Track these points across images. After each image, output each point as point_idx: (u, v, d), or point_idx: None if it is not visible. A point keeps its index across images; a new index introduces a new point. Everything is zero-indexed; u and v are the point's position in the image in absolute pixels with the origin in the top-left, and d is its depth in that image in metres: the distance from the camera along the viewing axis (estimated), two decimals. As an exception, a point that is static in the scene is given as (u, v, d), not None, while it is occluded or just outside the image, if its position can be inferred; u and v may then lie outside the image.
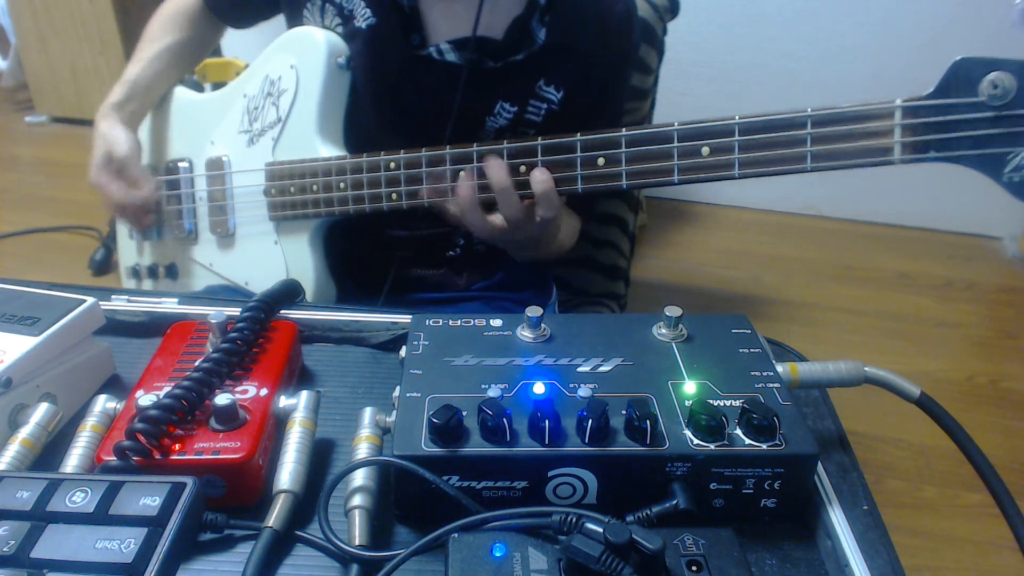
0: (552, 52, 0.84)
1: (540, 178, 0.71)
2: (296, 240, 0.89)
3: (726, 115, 0.65)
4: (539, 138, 0.72)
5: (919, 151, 0.58)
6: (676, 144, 0.66)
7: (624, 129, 0.68)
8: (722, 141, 0.65)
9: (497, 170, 0.73)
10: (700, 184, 0.68)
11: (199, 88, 2.00)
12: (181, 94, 1.03)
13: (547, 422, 0.43)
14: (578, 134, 0.70)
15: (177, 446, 0.45)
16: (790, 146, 0.62)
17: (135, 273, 1.09)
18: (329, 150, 0.85)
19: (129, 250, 1.10)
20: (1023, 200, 0.56)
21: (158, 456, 0.44)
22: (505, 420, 0.43)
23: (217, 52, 2.08)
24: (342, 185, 0.82)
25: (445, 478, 0.43)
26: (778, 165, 0.63)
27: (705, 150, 0.65)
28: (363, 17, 0.85)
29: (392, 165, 0.79)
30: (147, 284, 1.08)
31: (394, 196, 0.80)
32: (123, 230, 1.10)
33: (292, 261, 0.89)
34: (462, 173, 0.75)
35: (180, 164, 0.99)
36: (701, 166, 0.66)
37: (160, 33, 1.01)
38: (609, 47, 0.87)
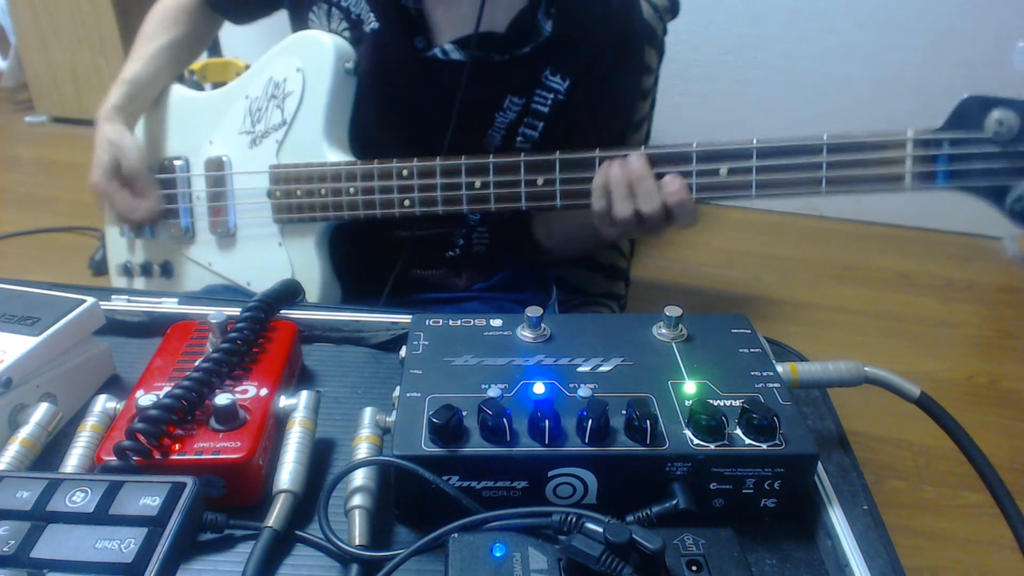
0: (558, 43, 0.84)
1: (672, 189, 0.70)
2: (302, 243, 0.89)
3: (743, 139, 0.68)
4: (557, 152, 0.73)
5: (928, 180, 0.62)
6: (695, 165, 0.69)
7: (643, 148, 0.71)
8: (740, 163, 0.67)
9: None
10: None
11: (199, 88, 2.00)
12: (178, 91, 1.03)
13: (547, 422, 0.43)
14: (597, 150, 0.73)
15: (177, 446, 0.45)
16: (806, 170, 0.65)
17: (127, 271, 1.08)
18: (336, 154, 0.85)
19: (120, 247, 1.09)
20: (1023, 227, 0.60)
21: (158, 456, 0.44)
22: (505, 420, 0.43)
23: (217, 52, 2.08)
24: (352, 190, 0.82)
25: (445, 478, 0.43)
26: (794, 188, 0.66)
27: (723, 170, 0.68)
28: (368, 21, 0.85)
29: (405, 172, 0.79)
30: (139, 282, 1.07)
31: (406, 203, 0.80)
32: (113, 227, 1.09)
33: (298, 264, 0.89)
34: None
35: (176, 162, 0.98)
36: (719, 185, 0.69)
37: (157, 30, 1.01)
38: (612, 33, 0.87)
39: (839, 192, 0.65)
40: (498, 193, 0.76)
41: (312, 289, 0.88)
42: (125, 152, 0.90)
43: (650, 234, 0.75)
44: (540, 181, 0.74)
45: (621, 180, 0.72)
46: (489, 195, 0.76)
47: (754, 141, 0.67)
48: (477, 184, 0.76)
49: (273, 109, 0.89)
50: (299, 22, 0.91)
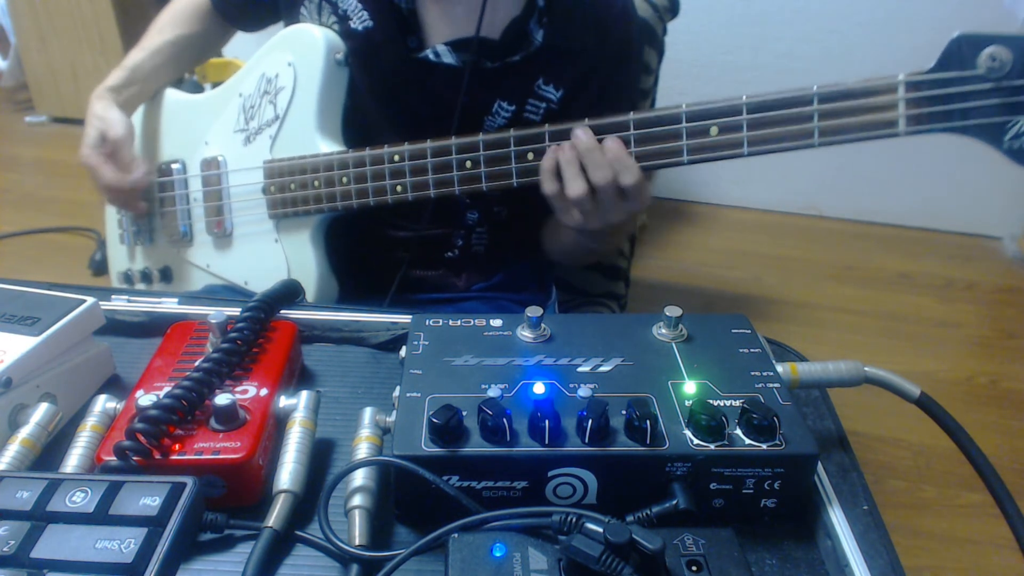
0: (550, 52, 0.84)
1: (611, 149, 0.69)
2: (297, 238, 0.89)
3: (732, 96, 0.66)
4: (546, 125, 0.72)
5: (923, 123, 0.61)
6: (684, 124, 0.67)
7: (632, 113, 0.69)
8: (730, 120, 0.66)
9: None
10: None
11: (199, 88, 2.00)
12: (172, 95, 1.03)
13: (547, 422, 0.43)
14: (586, 120, 0.71)
15: (177, 446, 0.45)
16: (798, 122, 0.64)
17: (127, 278, 1.08)
18: (329, 146, 0.85)
19: (120, 255, 1.09)
20: (1023, 165, 0.58)
21: (158, 456, 0.44)
22: (505, 420, 0.43)
23: (217, 52, 2.08)
24: (344, 179, 0.82)
25: (445, 478, 0.43)
26: (786, 142, 0.64)
27: (714, 129, 0.67)
28: (360, 19, 0.85)
29: (396, 158, 0.79)
30: (140, 288, 1.07)
31: (399, 188, 0.80)
32: (113, 235, 1.09)
33: (293, 259, 0.89)
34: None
35: (173, 166, 0.99)
36: (710, 145, 0.67)
37: (169, 25, 1.01)
38: (608, 46, 0.87)
39: (834, 143, 0.63)
40: (489, 171, 0.75)
41: (308, 285, 0.88)
42: (110, 124, 0.91)
43: (608, 217, 0.72)
44: (531, 155, 0.73)
45: (571, 159, 0.71)
46: (480, 174, 0.76)
47: (743, 97, 0.65)
48: (468, 164, 0.76)
49: (266, 105, 0.89)
50: (291, 18, 0.91)
